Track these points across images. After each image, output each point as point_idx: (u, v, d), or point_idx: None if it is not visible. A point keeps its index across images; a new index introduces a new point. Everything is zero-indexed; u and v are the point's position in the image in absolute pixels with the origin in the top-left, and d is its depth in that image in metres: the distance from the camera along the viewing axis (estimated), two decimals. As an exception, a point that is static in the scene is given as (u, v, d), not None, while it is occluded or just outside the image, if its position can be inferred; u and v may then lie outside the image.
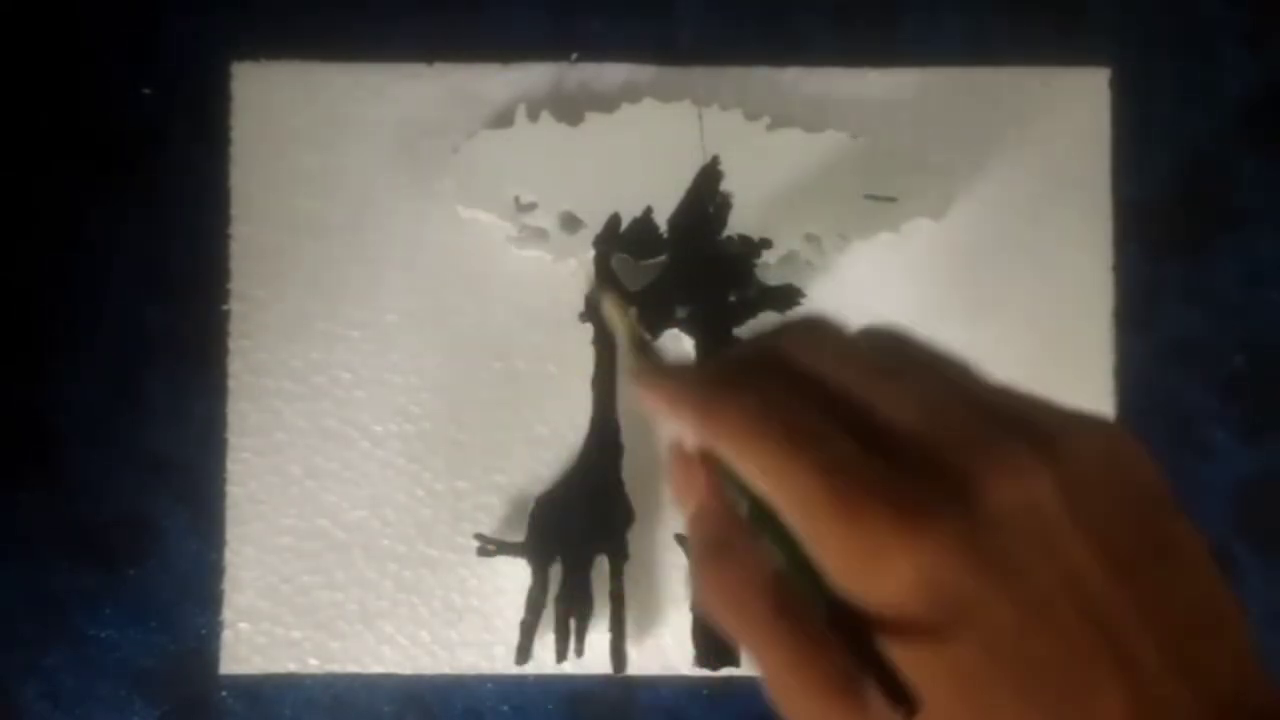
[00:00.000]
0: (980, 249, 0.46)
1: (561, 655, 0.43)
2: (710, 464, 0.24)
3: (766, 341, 0.24)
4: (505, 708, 0.45)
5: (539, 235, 0.45)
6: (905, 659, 0.19)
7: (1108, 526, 0.20)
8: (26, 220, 0.46)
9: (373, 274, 0.46)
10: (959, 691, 0.19)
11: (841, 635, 0.20)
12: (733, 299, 0.45)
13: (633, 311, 0.31)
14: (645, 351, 0.28)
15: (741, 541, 0.23)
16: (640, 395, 0.26)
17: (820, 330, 0.24)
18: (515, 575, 0.44)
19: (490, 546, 0.44)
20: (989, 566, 0.19)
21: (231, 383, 0.45)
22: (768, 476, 0.21)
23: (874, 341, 0.24)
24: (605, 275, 0.45)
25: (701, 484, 0.24)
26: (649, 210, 0.45)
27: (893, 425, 0.21)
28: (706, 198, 0.45)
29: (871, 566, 0.20)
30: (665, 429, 0.26)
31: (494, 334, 0.46)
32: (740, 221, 0.45)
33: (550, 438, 0.45)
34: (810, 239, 0.45)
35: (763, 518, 0.22)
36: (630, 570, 0.44)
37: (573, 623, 0.43)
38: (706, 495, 0.24)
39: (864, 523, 0.19)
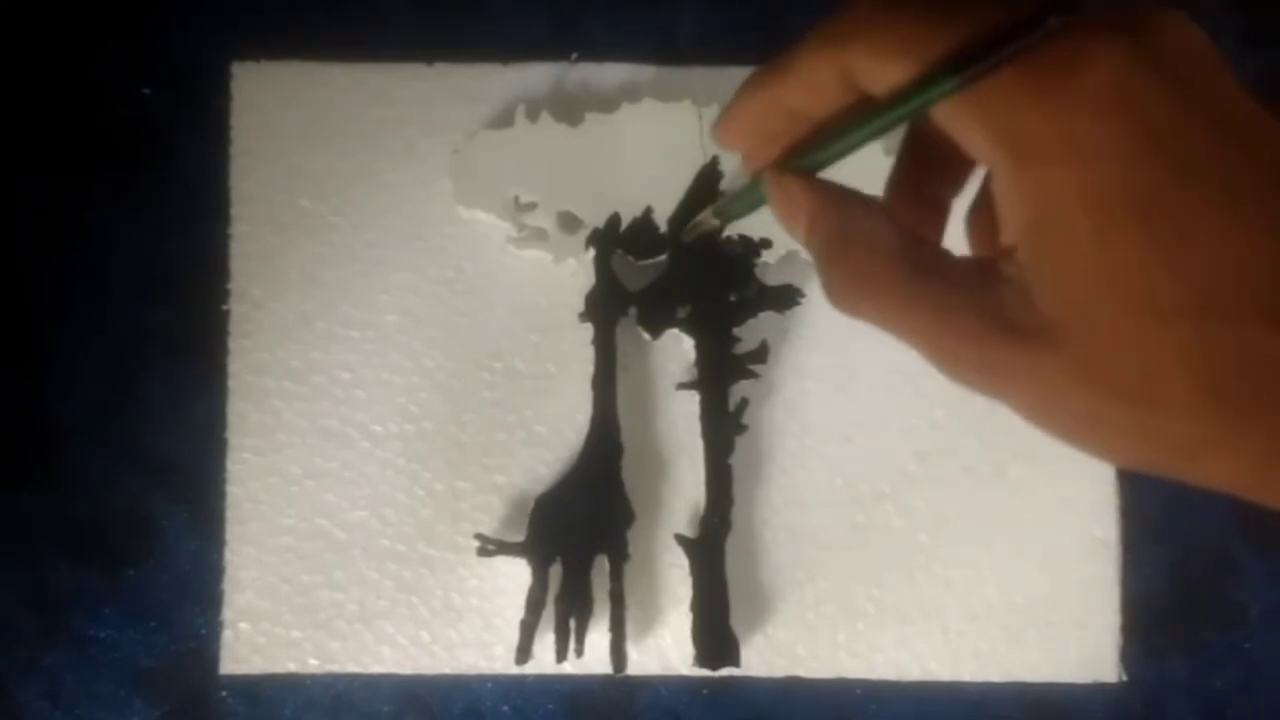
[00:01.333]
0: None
1: (561, 655, 0.43)
2: (809, 174, 0.26)
3: None
4: (505, 708, 0.45)
5: (539, 235, 0.45)
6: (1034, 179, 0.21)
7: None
8: (26, 220, 0.46)
9: (373, 274, 0.46)
10: (1076, 208, 0.20)
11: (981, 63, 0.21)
12: (733, 299, 0.45)
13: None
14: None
15: (860, 224, 0.24)
16: (727, 131, 0.28)
17: None
18: (515, 575, 0.44)
19: (490, 546, 0.44)
20: (1112, 108, 0.20)
21: (231, 383, 0.45)
22: (908, 50, 0.22)
23: None
24: (605, 275, 0.45)
25: (804, 196, 0.25)
26: (649, 210, 0.45)
27: None
28: (706, 198, 0.45)
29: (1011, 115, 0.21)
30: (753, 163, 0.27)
31: (494, 334, 0.46)
32: (740, 222, 0.45)
33: (550, 438, 0.45)
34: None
35: (871, 123, 0.23)
36: (630, 570, 0.44)
37: (573, 623, 0.43)
38: (817, 200, 0.25)
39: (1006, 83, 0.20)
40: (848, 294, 0.24)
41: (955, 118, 0.22)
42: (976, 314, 0.22)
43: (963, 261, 0.23)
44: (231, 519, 0.45)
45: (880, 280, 0.23)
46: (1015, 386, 0.22)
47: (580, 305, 0.45)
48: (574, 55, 0.47)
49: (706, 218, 0.36)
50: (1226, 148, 0.21)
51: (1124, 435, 0.21)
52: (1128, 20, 0.21)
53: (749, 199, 0.30)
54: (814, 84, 0.25)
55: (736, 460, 0.44)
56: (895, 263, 0.23)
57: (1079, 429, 0.22)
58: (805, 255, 0.44)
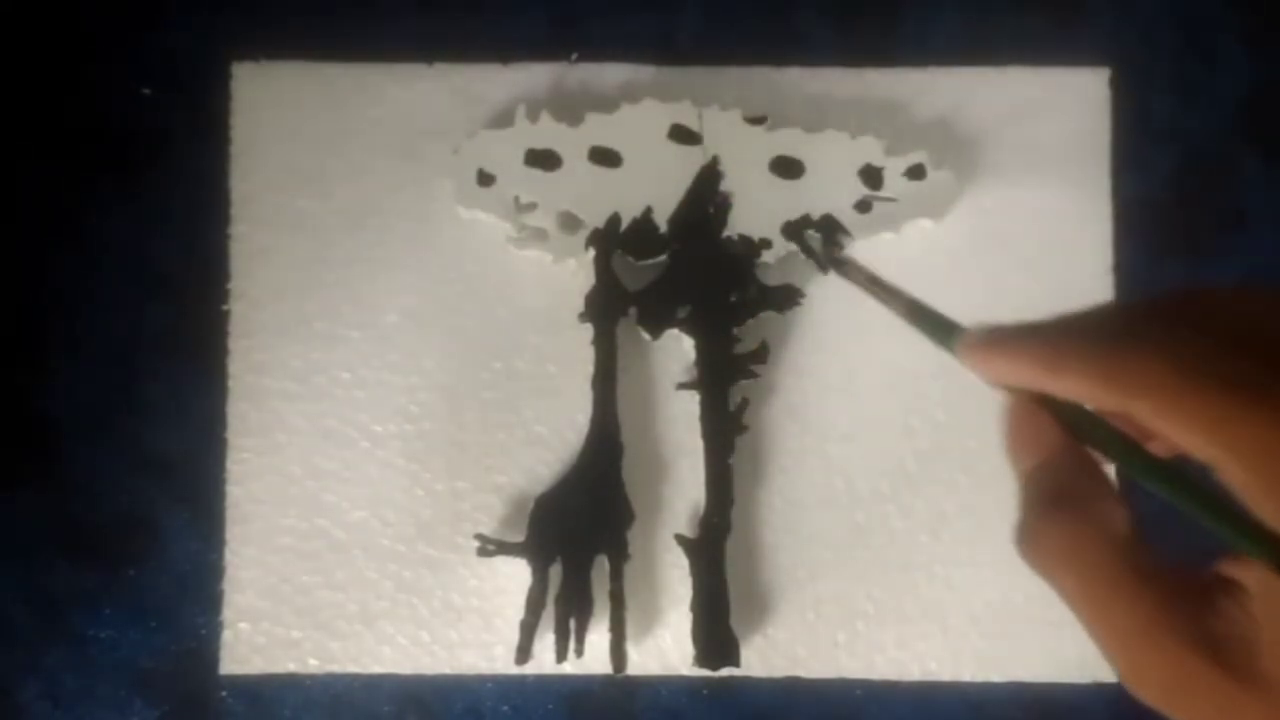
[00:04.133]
0: (980, 249, 0.46)
1: (561, 655, 0.43)
2: (1059, 414, 0.23)
3: (1144, 302, 0.23)
4: (505, 708, 0.45)
5: (539, 235, 0.45)
6: None
7: None
8: (27, 220, 0.46)
9: (373, 274, 0.46)
10: None
11: None
12: (733, 299, 0.45)
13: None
14: (929, 315, 0.27)
15: (1096, 496, 0.22)
16: (990, 360, 0.24)
17: (1203, 289, 0.23)
18: (515, 575, 0.44)
19: (490, 546, 0.44)
20: None
21: (231, 383, 0.45)
22: (1213, 433, 0.20)
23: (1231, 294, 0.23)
24: (605, 275, 0.45)
25: (1050, 437, 0.23)
26: (649, 210, 0.45)
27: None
28: (706, 198, 0.45)
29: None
30: (998, 381, 0.24)
31: (494, 334, 0.46)
32: (740, 221, 0.45)
33: (550, 438, 0.45)
34: (810, 239, 0.45)
35: (1153, 471, 0.21)
36: (630, 570, 0.44)
37: (573, 623, 0.43)
38: (1057, 448, 0.23)
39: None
40: (1053, 559, 0.22)
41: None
42: (1185, 636, 0.20)
43: (1179, 575, 0.22)
44: (231, 519, 0.45)
45: (1091, 564, 0.22)
46: (1206, 715, 0.21)
47: (580, 305, 0.45)
48: (574, 55, 0.47)
49: (884, 293, 0.31)
50: None
51: None
52: None
53: (940, 332, 0.27)
54: (1084, 396, 0.22)
55: (736, 460, 0.44)
56: (1117, 553, 0.21)
57: None
58: (804, 256, 0.45)
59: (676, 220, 0.45)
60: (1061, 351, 0.22)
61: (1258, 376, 0.20)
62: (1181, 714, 0.21)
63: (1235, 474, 0.20)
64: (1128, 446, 0.22)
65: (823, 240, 0.39)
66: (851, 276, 0.30)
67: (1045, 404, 0.24)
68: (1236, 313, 0.22)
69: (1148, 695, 0.21)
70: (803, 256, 0.45)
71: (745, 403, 0.44)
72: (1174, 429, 0.20)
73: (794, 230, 0.44)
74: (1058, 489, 0.23)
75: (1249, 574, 0.21)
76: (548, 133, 0.45)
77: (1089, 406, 0.23)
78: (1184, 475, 0.21)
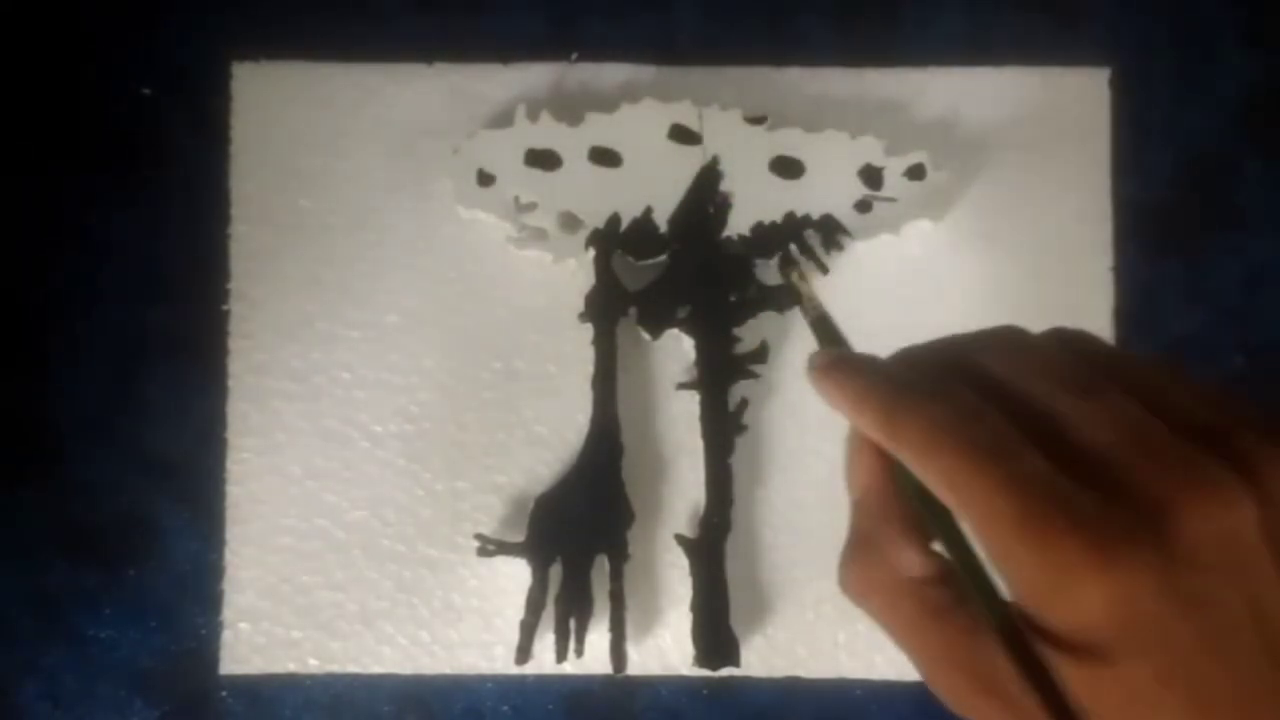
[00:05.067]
0: (980, 249, 0.46)
1: (561, 655, 0.43)
2: (883, 456, 0.24)
3: (956, 345, 0.24)
4: (505, 708, 0.45)
5: (539, 235, 0.45)
6: (1074, 676, 0.19)
7: None
8: (26, 220, 0.46)
9: (373, 274, 0.46)
10: (1125, 712, 0.19)
11: (1009, 646, 0.20)
12: (733, 299, 0.45)
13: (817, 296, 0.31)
14: (832, 338, 0.28)
15: (896, 541, 0.23)
16: (820, 385, 0.25)
17: (1015, 340, 0.24)
18: (515, 575, 0.44)
19: (490, 546, 0.44)
20: (1179, 597, 0.19)
21: (231, 383, 0.45)
22: (954, 490, 0.21)
23: (1070, 349, 0.23)
24: (605, 275, 0.45)
25: (866, 473, 0.24)
26: (649, 210, 0.45)
27: (1087, 444, 0.20)
28: (706, 198, 0.45)
29: (1057, 588, 0.19)
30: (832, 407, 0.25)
31: (494, 334, 0.46)
32: (740, 221, 0.45)
33: (550, 438, 0.45)
34: (810, 239, 0.45)
35: (937, 520, 0.22)
36: (630, 570, 0.44)
37: (573, 623, 0.43)
38: (869, 485, 0.24)
39: (1054, 546, 0.19)
40: (859, 591, 0.24)
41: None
42: (966, 674, 0.22)
43: (973, 616, 0.22)
44: (231, 519, 0.45)
45: (891, 600, 0.23)
46: None
47: (580, 305, 0.45)
48: (574, 55, 0.47)
49: (806, 300, 0.32)
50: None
51: None
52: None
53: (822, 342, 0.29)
54: (876, 439, 0.24)
55: (736, 460, 0.44)
56: (905, 594, 0.23)
57: None
58: (803, 256, 0.45)
59: (676, 220, 0.45)
60: (859, 397, 0.24)
61: (1003, 441, 0.21)
62: None
63: (973, 528, 0.21)
64: (922, 492, 0.22)
65: (781, 261, 0.39)
66: (787, 274, 0.32)
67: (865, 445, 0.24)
68: (1025, 368, 0.22)
69: (954, 709, 0.23)
70: (803, 257, 0.45)
71: (745, 403, 0.44)
72: (929, 480, 0.21)
73: (794, 230, 0.44)
74: (864, 526, 0.24)
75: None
76: (548, 133, 0.45)
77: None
78: (954, 527, 0.22)
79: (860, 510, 0.25)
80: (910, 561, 0.23)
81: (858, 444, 0.25)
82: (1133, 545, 0.19)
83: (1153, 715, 0.19)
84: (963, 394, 0.22)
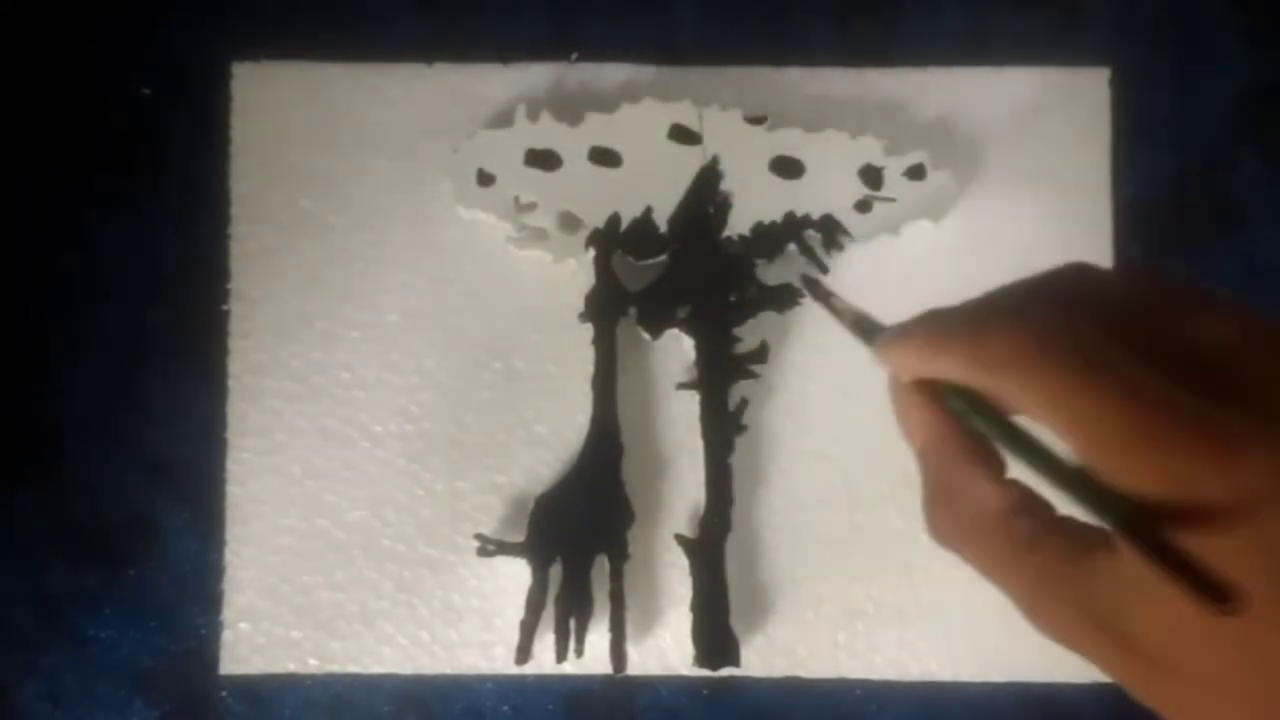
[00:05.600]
0: (980, 249, 0.46)
1: (561, 655, 0.43)
2: (938, 398, 0.24)
3: (1039, 278, 0.23)
4: (505, 708, 0.45)
5: (539, 235, 0.45)
6: (1216, 550, 0.19)
7: None
8: (26, 220, 0.46)
9: (373, 274, 0.46)
10: (1266, 577, 0.19)
11: (1140, 539, 0.19)
12: (733, 299, 0.45)
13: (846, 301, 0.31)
14: (877, 331, 0.27)
15: (972, 480, 0.23)
16: (896, 347, 0.25)
17: (1087, 271, 0.23)
18: (515, 575, 0.44)
19: (490, 546, 0.44)
20: None
21: (231, 383, 0.45)
22: (1058, 408, 0.20)
23: (1149, 279, 0.23)
24: (605, 275, 0.45)
25: (929, 419, 0.24)
26: (649, 210, 0.45)
27: (1198, 347, 0.20)
28: (706, 198, 0.45)
29: (1173, 486, 0.19)
30: (901, 372, 0.25)
31: (494, 334, 0.46)
32: (740, 221, 0.45)
33: (550, 438, 0.45)
34: (810, 239, 0.45)
35: (1017, 445, 0.22)
36: (630, 570, 0.44)
37: (573, 623, 0.43)
38: (932, 434, 0.24)
39: (1173, 458, 0.19)
40: (948, 537, 0.24)
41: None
42: (1065, 600, 0.21)
43: (1067, 539, 0.22)
44: (231, 519, 0.45)
45: (975, 541, 0.23)
46: (1100, 664, 0.22)
47: (580, 305, 0.45)
48: (574, 55, 0.47)
49: (838, 310, 0.31)
50: None
51: None
52: None
53: (869, 345, 0.27)
54: (958, 374, 0.23)
55: (736, 460, 0.44)
56: (994, 529, 0.23)
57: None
58: (803, 256, 0.45)
59: (676, 220, 0.45)
60: (939, 333, 0.23)
61: (1105, 353, 0.20)
62: (1089, 656, 0.22)
63: (1081, 446, 0.20)
64: (1000, 422, 0.22)
65: (803, 279, 0.39)
66: (815, 294, 0.32)
67: (929, 388, 0.24)
68: (1109, 291, 0.22)
69: (1064, 641, 0.22)
70: (802, 257, 0.45)
71: (745, 403, 0.44)
72: (1027, 402, 0.21)
73: (794, 230, 0.44)
74: (937, 472, 0.24)
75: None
76: (548, 133, 0.45)
77: (967, 384, 0.23)
78: (1045, 448, 0.22)
79: (929, 460, 0.24)
80: (990, 495, 0.23)
81: (911, 398, 0.24)
82: (1248, 437, 0.19)
83: None
84: (1053, 311, 0.21)
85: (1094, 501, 0.20)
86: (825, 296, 0.31)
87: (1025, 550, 0.22)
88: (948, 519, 0.24)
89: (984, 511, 0.23)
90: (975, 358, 0.22)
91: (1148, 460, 0.19)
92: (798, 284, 0.45)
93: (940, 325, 0.23)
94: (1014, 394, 0.21)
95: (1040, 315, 0.21)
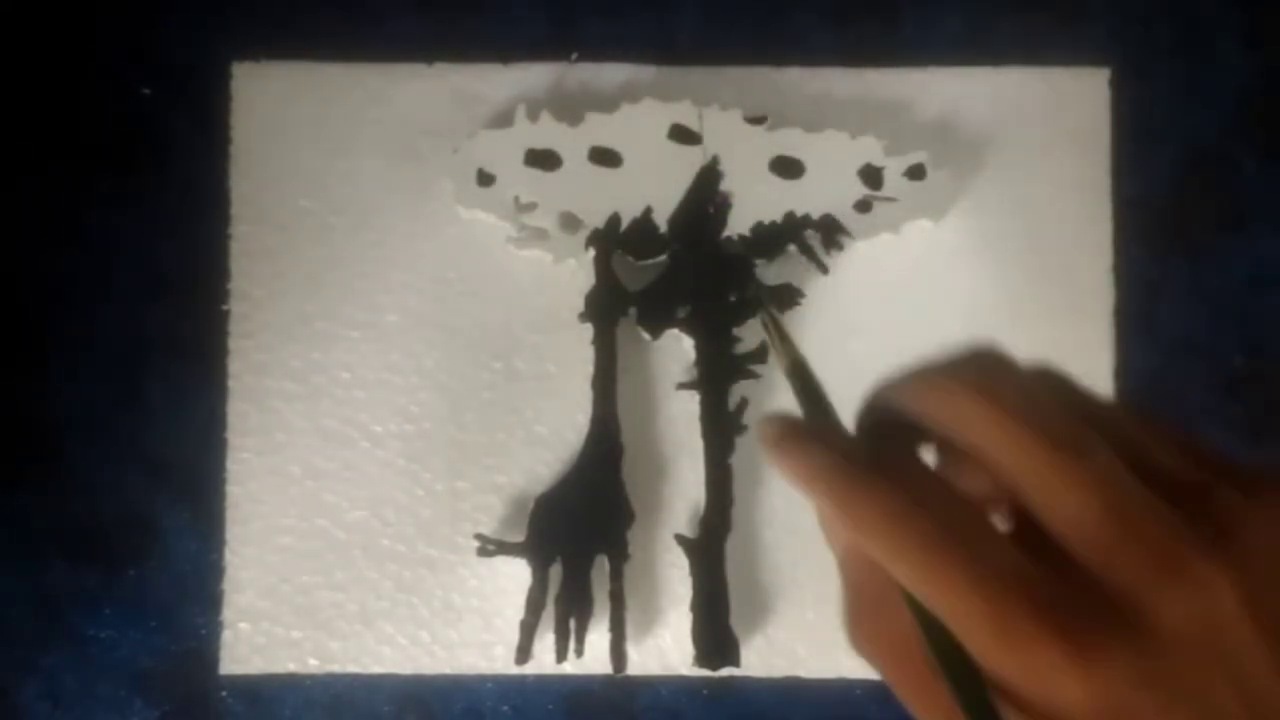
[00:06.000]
0: (980, 249, 0.46)
1: (561, 655, 0.43)
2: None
3: (930, 380, 0.22)
4: (505, 708, 0.45)
5: (539, 235, 0.45)
6: None
7: None
8: (27, 220, 0.46)
9: (373, 274, 0.46)
10: None
11: None
12: (733, 299, 0.45)
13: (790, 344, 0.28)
14: (808, 390, 0.26)
15: (883, 599, 0.22)
16: (773, 459, 0.24)
17: (996, 372, 0.22)
18: (515, 575, 0.44)
19: (490, 546, 0.44)
20: (1161, 688, 0.18)
21: (231, 383, 0.45)
22: (921, 585, 0.20)
23: (1055, 393, 0.22)
24: (605, 275, 0.45)
25: (842, 534, 0.23)
26: (649, 210, 0.45)
27: (1066, 516, 0.20)
28: (706, 198, 0.45)
29: (1034, 682, 0.19)
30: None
31: (494, 334, 0.46)
32: (740, 221, 0.45)
33: (550, 438, 0.45)
34: (810, 239, 0.45)
35: (907, 599, 0.21)
36: (630, 570, 0.44)
37: (573, 623, 0.43)
38: (848, 546, 0.23)
39: (1028, 646, 0.19)
40: (869, 649, 0.23)
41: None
42: None
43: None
44: (231, 519, 0.45)
45: (904, 657, 0.22)
46: None
47: (580, 305, 0.45)
48: (574, 55, 0.47)
49: (778, 342, 0.28)
50: None
51: None
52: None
53: (815, 407, 0.26)
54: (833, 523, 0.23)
55: (736, 460, 0.44)
56: (911, 649, 0.22)
57: None
58: (803, 256, 0.45)
59: (676, 220, 0.45)
60: (817, 474, 0.22)
61: (969, 532, 0.20)
62: None
63: (949, 626, 0.20)
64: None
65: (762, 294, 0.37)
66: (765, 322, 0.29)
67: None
68: (979, 432, 0.21)
69: None
70: (802, 258, 0.45)
71: (745, 403, 0.44)
72: (895, 575, 0.20)
73: (794, 230, 0.44)
74: (860, 585, 0.23)
75: None
76: (548, 133, 0.45)
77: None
78: (923, 609, 0.21)
79: (851, 570, 0.23)
80: (907, 617, 0.22)
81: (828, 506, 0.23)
82: (1109, 639, 0.18)
83: None
84: (924, 474, 0.21)
85: (952, 682, 0.20)
86: (768, 325, 0.28)
87: (930, 678, 0.21)
88: (871, 633, 0.23)
89: (899, 633, 0.22)
90: (845, 522, 0.21)
91: (1003, 648, 0.19)
92: (797, 284, 0.45)
93: (813, 468, 0.22)
94: (882, 562, 0.21)
95: (911, 475, 0.21)
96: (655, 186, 0.45)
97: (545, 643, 0.43)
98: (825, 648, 0.45)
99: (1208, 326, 0.46)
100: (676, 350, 0.45)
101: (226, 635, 0.44)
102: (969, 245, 0.46)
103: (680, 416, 0.45)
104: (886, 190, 0.45)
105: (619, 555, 0.43)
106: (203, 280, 0.46)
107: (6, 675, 0.45)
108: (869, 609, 0.23)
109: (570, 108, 0.45)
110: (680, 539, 0.44)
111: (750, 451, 0.45)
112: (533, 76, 0.46)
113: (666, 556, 0.45)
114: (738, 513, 0.44)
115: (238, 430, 0.45)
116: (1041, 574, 0.19)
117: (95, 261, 0.46)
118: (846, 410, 0.25)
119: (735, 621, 0.43)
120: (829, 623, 0.45)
